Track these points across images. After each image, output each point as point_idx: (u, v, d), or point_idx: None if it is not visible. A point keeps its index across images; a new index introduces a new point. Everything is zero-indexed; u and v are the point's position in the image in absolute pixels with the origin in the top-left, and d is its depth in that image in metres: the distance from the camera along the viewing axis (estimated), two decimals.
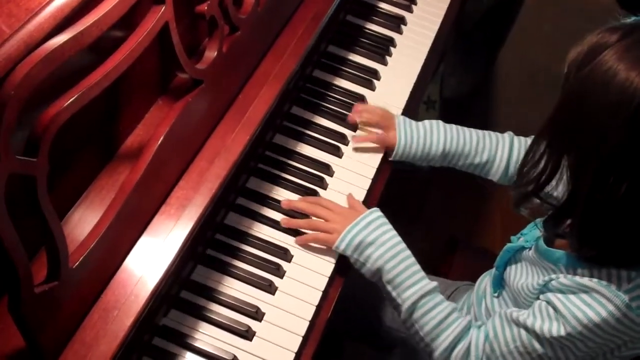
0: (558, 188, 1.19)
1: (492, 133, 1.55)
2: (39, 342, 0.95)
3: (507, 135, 1.54)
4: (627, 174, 1.02)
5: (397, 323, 1.63)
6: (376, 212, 1.38)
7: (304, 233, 1.40)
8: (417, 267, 1.34)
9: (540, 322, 1.17)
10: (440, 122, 1.55)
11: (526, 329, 1.19)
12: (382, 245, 1.33)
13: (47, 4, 0.92)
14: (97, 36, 0.95)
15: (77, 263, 0.98)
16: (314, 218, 1.41)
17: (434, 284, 1.33)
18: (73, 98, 0.92)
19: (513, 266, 1.34)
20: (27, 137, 0.88)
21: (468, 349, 1.28)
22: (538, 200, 1.20)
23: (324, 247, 1.39)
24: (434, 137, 1.52)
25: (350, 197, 1.46)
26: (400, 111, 1.65)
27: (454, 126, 1.54)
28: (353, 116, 1.58)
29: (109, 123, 1.18)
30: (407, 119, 1.55)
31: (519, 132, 2.54)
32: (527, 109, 2.50)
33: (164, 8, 1.08)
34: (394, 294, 1.33)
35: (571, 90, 1.09)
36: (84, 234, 1.06)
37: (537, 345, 1.18)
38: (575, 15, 2.26)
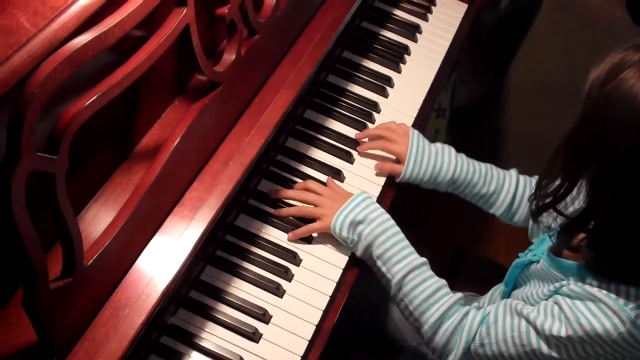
0: (575, 202, 1.19)
1: (497, 167, 1.55)
2: (51, 338, 0.96)
3: (513, 172, 1.55)
4: None
5: (400, 332, 1.63)
6: (364, 194, 1.41)
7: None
8: (406, 242, 1.36)
9: (543, 318, 1.18)
10: (452, 148, 1.54)
11: (527, 321, 1.20)
12: (372, 222, 1.36)
13: (72, 3, 0.94)
14: (119, 37, 0.96)
15: (91, 261, 0.99)
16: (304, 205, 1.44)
17: (423, 259, 1.35)
18: (94, 97, 0.93)
19: (522, 283, 1.35)
20: (48, 135, 0.89)
21: (458, 325, 1.28)
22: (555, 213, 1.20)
23: (333, 252, 1.40)
24: (445, 160, 1.51)
25: (330, 180, 1.48)
26: (412, 119, 1.66)
27: (463, 155, 1.55)
28: (361, 134, 1.59)
29: (126, 122, 1.19)
30: (421, 136, 1.55)
31: (529, 142, 2.56)
32: (538, 121, 2.51)
33: (185, 10, 1.09)
34: (383, 269, 1.35)
35: (593, 107, 1.09)
36: (98, 231, 1.07)
37: (533, 339, 1.19)
38: (588, 28, 2.26)
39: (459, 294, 1.33)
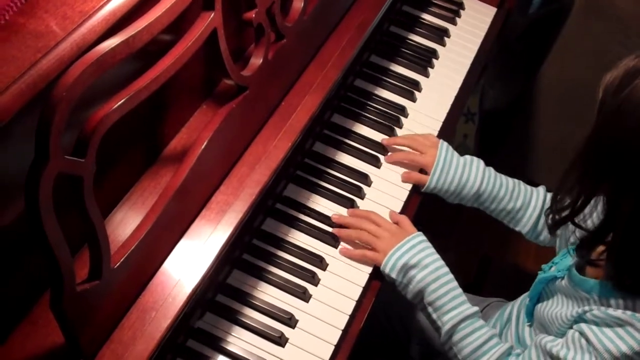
0: (593, 214, 1.17)
1: (525, 184, 1.52)
2: (78, 340, 0.97)
3: (542, 189, 1.51)
4: None
5: (428, 339, 1.62)
6: (420, 236, 1.38)
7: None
8: (459, 290, 1.34)
9: (573, 354, 1.16)
10: (481, 161, 1.52)
11: None
12: (425, 268, 1.33)
13: (101, 7, 0.94)
14: (147, 40, 0.96)
15: (118, 263, 0.99)
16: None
17: (475, 308, 1.33)
18: (122, 100, 0.93)
19: (546, 297, 1.33)
20: (76, 138, 0.89)
21: None
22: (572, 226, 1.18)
23: None
24: (472, 172, 1.49)
25: (393, 213, 1.46)
26: (440, 124, 1.65)
27: (491, 168, 1.52)
28: (387, 141, 1.57)
29: (154, 126, 1.19)
30: (449, 147, 1.52)
31: (559, 148, 2.53)
32: (568, 125, 2.48)
33: (213, 14, 1.09)
34: (434, 316, 1.33)
35: (607, 115, 1.06)
36: (126, 234, 1.07)
37: None
38: (619, 31, 2.23)
39: (508, 344, 1.32)
